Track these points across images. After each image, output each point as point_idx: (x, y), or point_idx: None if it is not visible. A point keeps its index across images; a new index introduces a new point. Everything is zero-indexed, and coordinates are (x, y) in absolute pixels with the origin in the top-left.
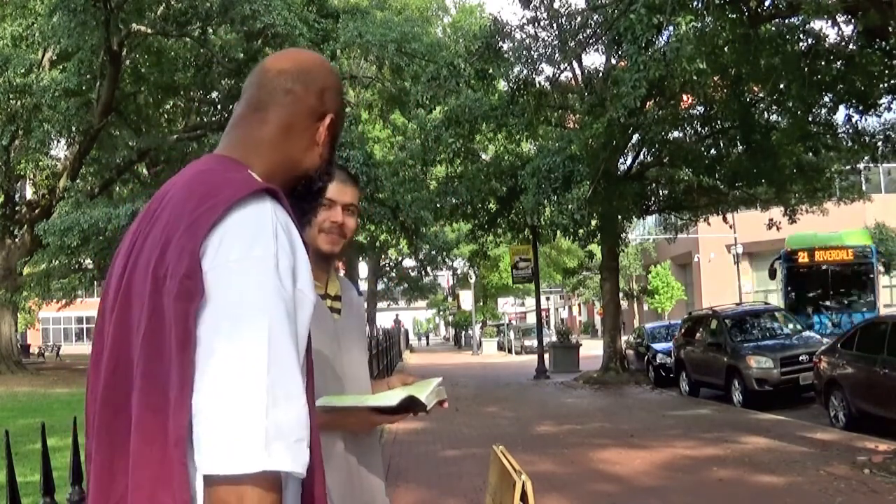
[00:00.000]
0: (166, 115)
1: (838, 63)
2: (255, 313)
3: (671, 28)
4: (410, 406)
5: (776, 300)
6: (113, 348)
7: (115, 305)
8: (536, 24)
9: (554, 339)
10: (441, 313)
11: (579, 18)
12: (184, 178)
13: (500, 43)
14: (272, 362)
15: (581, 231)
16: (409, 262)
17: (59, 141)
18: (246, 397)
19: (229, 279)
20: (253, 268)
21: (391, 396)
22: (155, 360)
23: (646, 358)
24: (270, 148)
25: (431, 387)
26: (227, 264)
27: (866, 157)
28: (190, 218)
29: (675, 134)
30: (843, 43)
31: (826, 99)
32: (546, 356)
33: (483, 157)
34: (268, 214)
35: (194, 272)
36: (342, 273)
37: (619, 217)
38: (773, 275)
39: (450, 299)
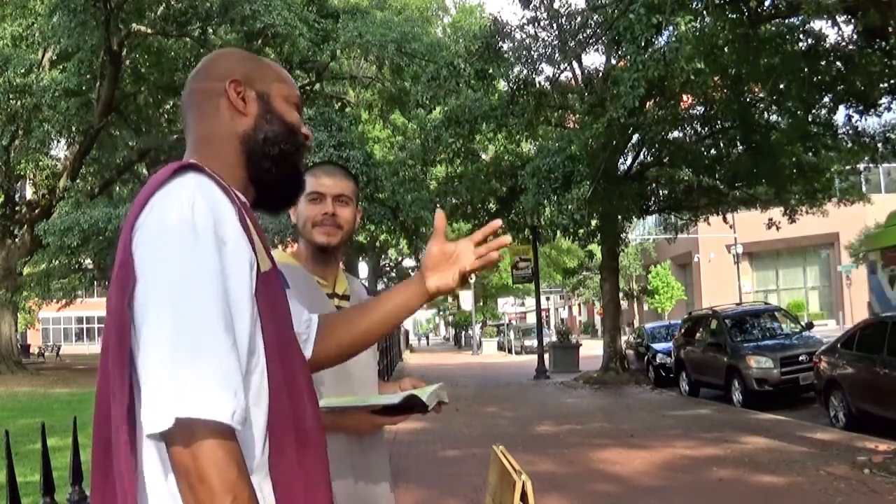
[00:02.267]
0: (166, 115)
1: (838, 63)
2: (164, 278)
3: (671, 28)
4: (411, 406)
5: (776, 300)
6: (103, 346)
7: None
8: (536, 24)
9: (554, 339)
10: (441, 313)
11: (579, 18)
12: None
13: (500, 43)
14: (181, 322)
15: (581, 231)
16: (409, 262)
17: (59, 141)
18: (158, 356)
19: (146, 251)
20: (167, 236)
21: (393, 396)
22: (116, 353)
23: (646, 358)
24: (211, 141)
25: (433, 388)
26: (146, 241)
27: (866, 158)
28: (127, 218)
29: (675, 134)
30: (843, 43)
31: (826, 99)
32: (546, 356)
33: (483, 157)
34: (185, 185)
35: (126, 261)
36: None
37: (619, 217)
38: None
39: (450, 299)
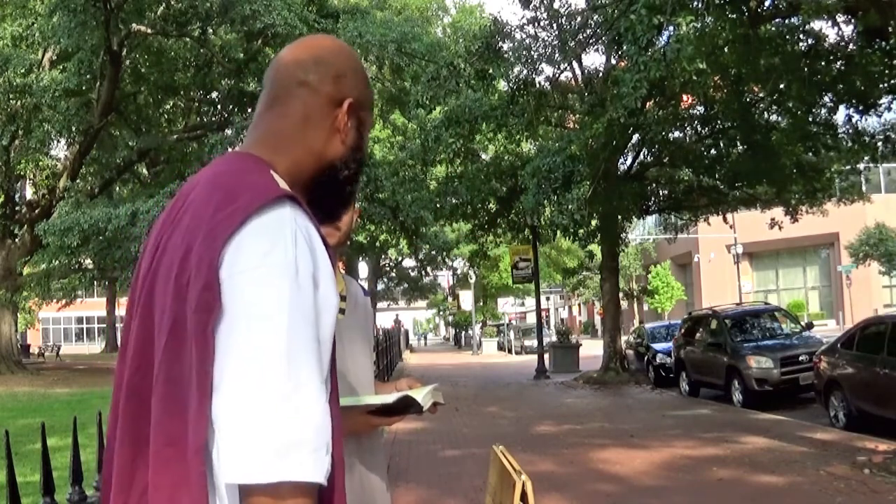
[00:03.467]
0: (166, 115)
1: (838, 63)
2: (271, 316)
3: (671, 28)
4: (407, 406)
5: (776, 300)
6: (137, 347)
7: (139, 304)
8: (536, 24)
9: (554, 339)
10: (441, 313)
11: (579, 18)
12: (205, 177)
13: (500, 43)
14: (289, 366)
15: (581, 231)
16: (409, 262)
17: (59, 141)
18: (261, 403)
19: (245, 287)
20: (269, 274)
21: (388, 397)
22: (175, 366)
23: (646, 358)
24: (291, 143)
25: (428, 389)
26: (244, 272)
27: (866, 158)
28: (208, 226)
29: (675, 134)
30: (843, 43)
31: (826, 99)
32: (546, 356)
33: (483, 157)
34: (286, 220)
35: (212, 284)
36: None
37: (619, 217)
38: None
39: (450, 299)
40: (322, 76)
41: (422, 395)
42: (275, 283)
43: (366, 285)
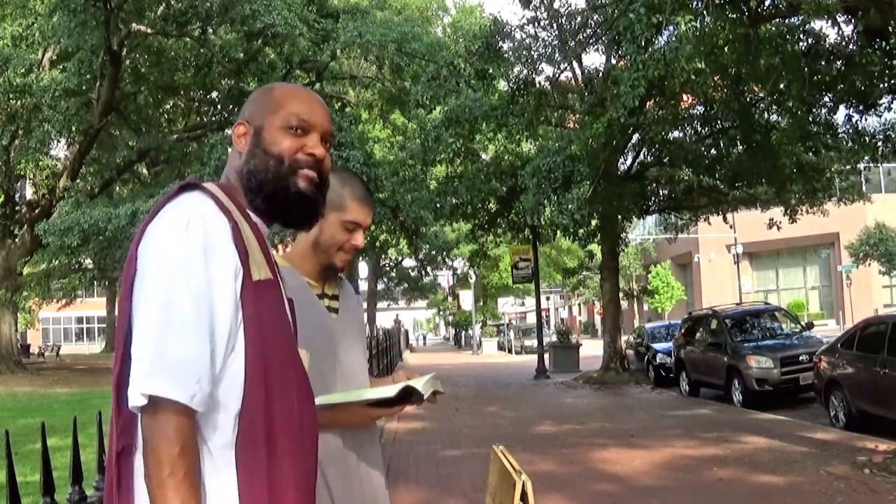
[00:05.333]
0: (166, 115)
1: (838, 63)
2: (155, 277)
3: (671, 28)
4: (407, 396)
5: (776, 300)
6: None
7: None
8: (536, 24)
9: (554, 339)
10: (441, 313)
11: (579, 18)
12: None
13: (500, 43)
14: (162, 314)
15: (581, 231)
16: (409, 262)
17: (59, 141)
18: (138, 341)
19: (146, 254)
20: (164, 244)
21: (389, 388)
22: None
23: (646, 358)
24: (229, 174)
25: (427, 378)
26: (148, 245)
27: (866, 157)
28: (143, 222)
29: (675, 134)
30: (843, 43)
31: (826, 99)
32: (546, 356)
33: (483, 157)
34: (188, 201)
35: (132, 258)
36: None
37: (619, 217)
38: None
39: (450, 299)
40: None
41: (421, 384)
42: (164, 258)
43: (366, 285)
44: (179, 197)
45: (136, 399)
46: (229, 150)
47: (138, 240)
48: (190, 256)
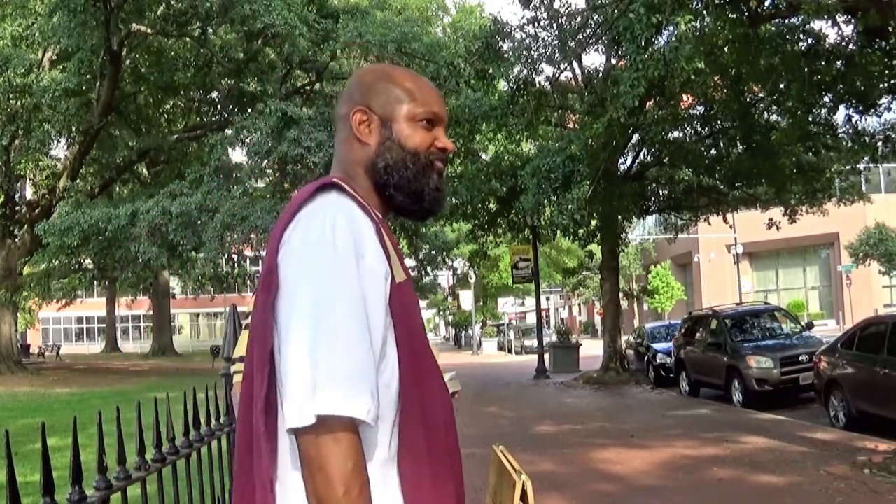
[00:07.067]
0: (166, 115)
1: (838, 63)
2: (307, 290)
3: (671, 28)
4: None
5: (776, 300)
6: (248, 351)
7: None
8: (536, 24)
9: (554, 339)
10: (441, 313)
11: (579, 18)
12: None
13: (500, 43)
14: (319, 326)
15: (581, 231)
16: (409, 262)
17: (59, 141)
18: (296, 357)
19: (290, 263)
20: (311, 251)
21: None
22: (258, 350)
23: (646, 358)
24: (343, 166)
25: (448, 377)
26: (291, 253)
27: (866, 158)
28: (276, 229)
29: (675, 134)
30: (843, 43)
31: (826, 99)
32: (546, 356)
33: (483, 157)
34: (329, 203)
35: (272, 269)
36: None
37: (619, 217)
38: None
39: (450, 299)
40: (342, 100)
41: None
42: (312, 257)
43: None
44: (316, 199)
45: (300, 420)
46: (338, 137)
47: (275, 248)
48: (341, 263)
